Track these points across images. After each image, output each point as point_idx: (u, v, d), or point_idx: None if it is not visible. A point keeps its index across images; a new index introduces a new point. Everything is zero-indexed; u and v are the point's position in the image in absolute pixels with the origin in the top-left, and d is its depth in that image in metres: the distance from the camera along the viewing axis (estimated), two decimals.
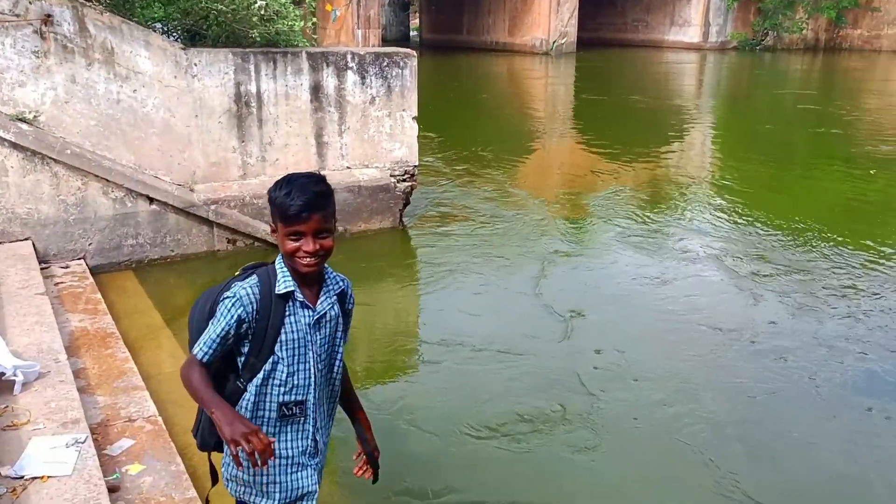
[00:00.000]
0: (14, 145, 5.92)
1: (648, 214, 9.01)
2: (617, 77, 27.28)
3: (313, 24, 7.18)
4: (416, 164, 7.98)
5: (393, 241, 7.85)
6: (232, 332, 2.22)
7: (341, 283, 2.39)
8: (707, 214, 9.11)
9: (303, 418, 2.35)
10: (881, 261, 7.38)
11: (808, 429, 4.58)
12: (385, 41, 33.14)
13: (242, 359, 2.29)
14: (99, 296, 5.71)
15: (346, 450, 3.15)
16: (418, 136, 7.96)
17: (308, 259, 2.20)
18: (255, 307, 2.22)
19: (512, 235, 8.11)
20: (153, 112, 6.53)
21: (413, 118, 7.82)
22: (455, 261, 7.30)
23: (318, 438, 2.40)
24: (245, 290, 2.22)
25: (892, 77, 27.60)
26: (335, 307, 2.36)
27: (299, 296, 2.26)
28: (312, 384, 2.33)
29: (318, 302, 2.31)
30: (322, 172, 7.18)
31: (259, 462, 2.03)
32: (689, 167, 12.20)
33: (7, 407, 3.69)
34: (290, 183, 2.20)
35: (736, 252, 7.62)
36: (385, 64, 7.57)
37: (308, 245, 2.18)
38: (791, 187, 10.88)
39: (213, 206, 6.82)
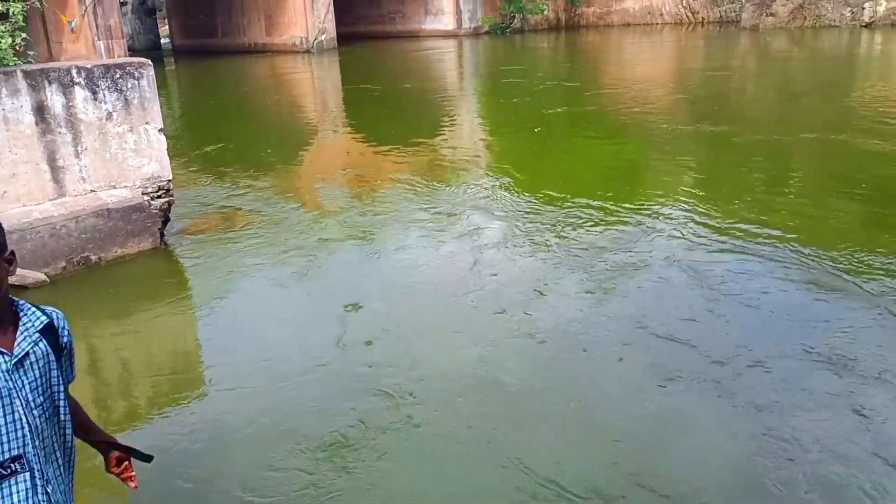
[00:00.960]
0: None
1: (425, 198, 9.25)
2: (379, 67, 27.67)
3: (23, 39, 6.51)
4: (170, 178, 7.57)
5: (156, 263, 7.39)
6: None
7: (44, 318, 2.18)
8: (483, 190, 9.52)
9: (26, 473, 2.13)
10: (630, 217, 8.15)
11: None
12: (133, 51, 31.04)
13: None
14: None
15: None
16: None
17: None
18: None
19: (295, 240, 7.94)
20: None
21: (159, 130, 7.40)
22: (226, 271, 7.04)
23: (49, 492, 2.19)
24: None
25: (623, 48, 30.57)
26: (41, 345, 2.14)
27: None
28: (29, 433, 2.11)
29: (16, 343, 2.09)
30: (63, 199, 6.61)
31: None
32: (462, 148, 12.68)
33: None
34: None
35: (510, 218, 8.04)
36: (118, 76, 7.06)
37: None
38: (550, 157, 11.70)
39: None
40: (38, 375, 2.13)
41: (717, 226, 7.65)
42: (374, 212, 8.85)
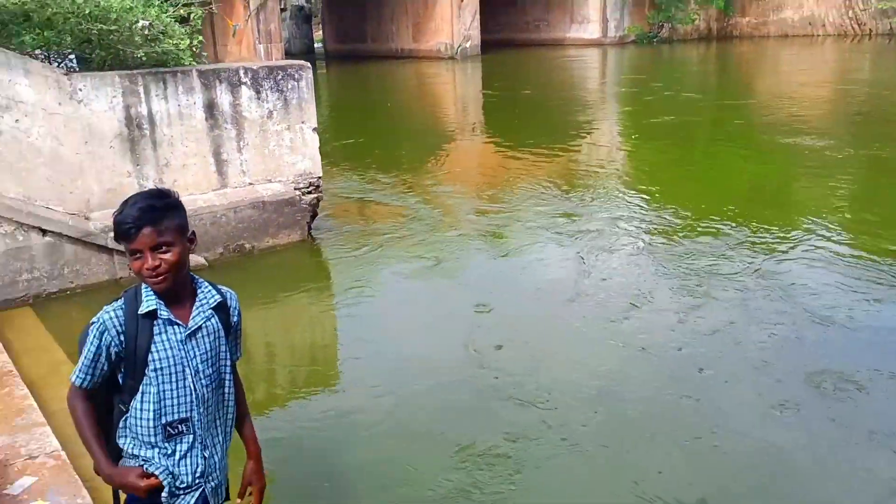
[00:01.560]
0: None
1: (562, 204, 9.26)
2: (521, 75, 27.81)
3: (200, 42, 7.08)
4: (320, 175, 7.98)
5: (302, 255, 7.83)
6: (103, 357, 2.26)
7: (219, 296, 2.40)
8: (621, 201, 9.41)
9: (190, 436, 2.36)
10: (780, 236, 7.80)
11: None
12: (289, 55, 32.84)
13: (122, 381, 2.31)
14: None
15: None
16: (322, 147, 7.98)
17: (153, 277, 2.20)
18: (119, 330, 2.24)
19: (428, 236, 8.19)
20: (39, 141, 6.34)
21: (313, 130, 7.83)
22: (365, 266, 7.35)
23: (206, 456, 2.41)
24: (108, 314, 2.25)
25: (781, 60, 29.07)
26: (213, 320, 2.36)
27: (163, 313, 2.27)
28: (195, 400, 2.34)
29: (191, 317, 2.32)
30: (224, 190, 7.10)
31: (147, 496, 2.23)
32: (600, 157, 12.56)
33: None
34: (125, 202, 2.22)
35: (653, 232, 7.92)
36: (280, 77, 7.55)
37: (147, 262, 2.18)
38: (695, 171, 11.37)
39: (111, 234, 6.62)
40: (208, 348, 2.36)
41: (860, 260, 7.14)
42: (503, 213, 8.95)
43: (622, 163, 12.21)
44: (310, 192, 7.88)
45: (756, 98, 18.92)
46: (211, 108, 7.19)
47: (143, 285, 2.28)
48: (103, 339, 2.23)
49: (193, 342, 2.32)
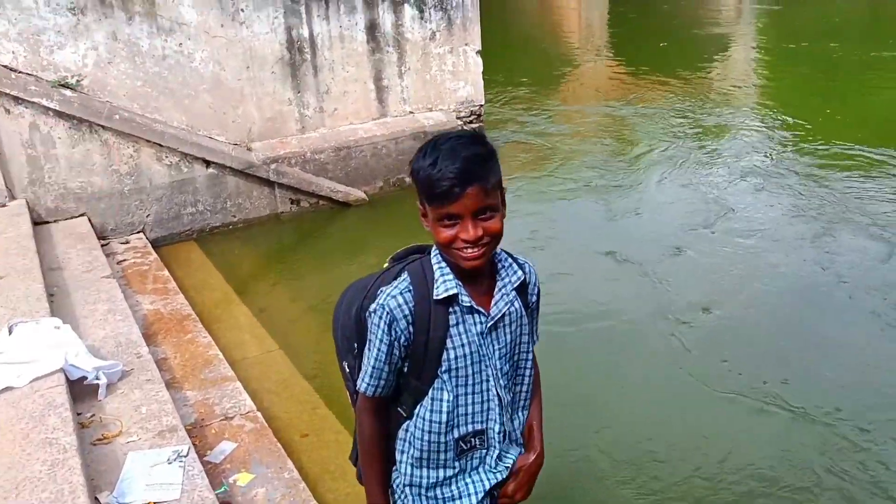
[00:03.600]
0: (59, 114, 5.44)
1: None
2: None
3: None
4: (483, 103, 7.35)
5: None
6: (396, 352, 1.74)
7: (520, 272, 1.83)
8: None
9: (484, 451, 1.85)
10: None
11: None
12: None
13: (403, 380, 1.80)
14: (166, 272, 5.29)
15: None
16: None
17: (470, 250, 1.66)
18: (410, 320, 1.72)
19: (590, 168, 7.47)
20: (202, 66, 5.98)
21: (477, 52, 7.17)
22: (536, 203, 6.73)
23: (500, 471, 1.89)
24: (395, 299, 1.72)
25: None
26: (516, 304, 1.82)
27: (465, 299, 1.74)
28: (495, 407, 1.82)
29: (493, 303, 1.77)
30: (384, 119, 6.58)
31: None
32: (734, 82, 11.30)
33: (94, 416, 3.28)
34: (435, 148, 1.65)
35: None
36: None
37: (467, 231, 1.64)
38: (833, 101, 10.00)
39: (272, 165, 6.30)
40: (508, 341, 1.83)
41: None
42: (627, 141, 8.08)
43: (761, 89, 10.89)
44: (472, 122, 7.28)
45: None
46: (372, 29, 6.63)
47: (436, 258, 1.76)
48: (393, 332, 1.72)
49: (494, 335, 1.79)
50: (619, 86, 11.52)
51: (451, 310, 1.73)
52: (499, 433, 1.84)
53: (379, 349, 1.73)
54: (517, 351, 1.86)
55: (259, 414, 3.62)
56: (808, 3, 19.03)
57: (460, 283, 1.73)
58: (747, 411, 3.83)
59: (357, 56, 6.62)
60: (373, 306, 1.74)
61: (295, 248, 6.42)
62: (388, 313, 1.71)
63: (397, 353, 1.74)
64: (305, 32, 6.32)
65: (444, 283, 1.72)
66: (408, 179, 6.77)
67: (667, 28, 17.06)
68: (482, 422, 1.82)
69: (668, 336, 4.52)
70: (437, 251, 1.77)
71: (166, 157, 5.92)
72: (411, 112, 7.03)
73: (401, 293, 1.72)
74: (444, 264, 1.74)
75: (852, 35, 14.59)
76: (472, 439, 1.83)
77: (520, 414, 1.93)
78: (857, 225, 5.90)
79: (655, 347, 4.44)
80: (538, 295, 1.92)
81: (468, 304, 1.74)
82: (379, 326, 1.72)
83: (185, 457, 2.98)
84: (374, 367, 1.74)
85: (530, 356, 1.90)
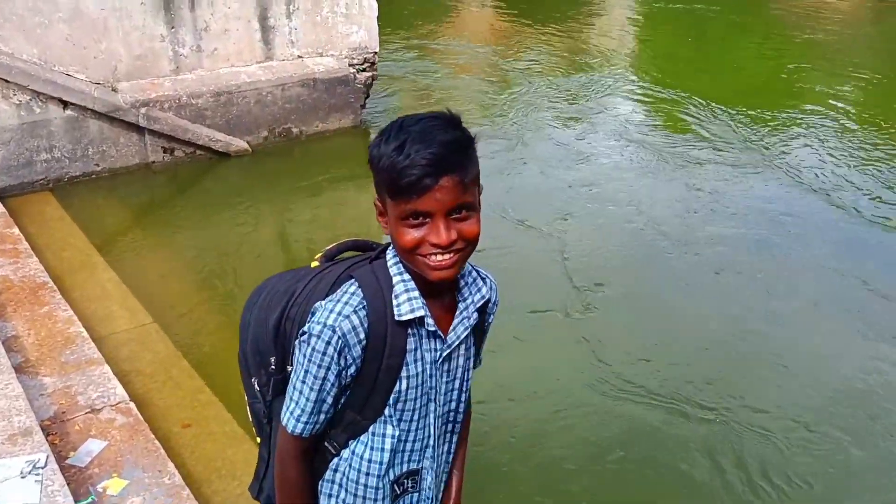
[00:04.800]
0: None
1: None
2: None
3: None
4: (377, 49, 6.88)
5: (354, 141, 6.83)
6: (338, 385, 1.41)
7: (484, 289, 1.52)
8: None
9: (416, 495, 1.56)
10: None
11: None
12: None
13: (337, 413, 1.47)
14: (16, 231, 4.62)
15: None
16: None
17: (440, 257, 1.34)
18: (364, 345, 1.38)
19: (472, 120, 7.21)
20: None
21: None
22: None
23: None
24: (349, 320, 1.36)
25: None
26: (471, 331, 1.52)
27: (430, 322, 1.42)
28: (431, 444, 1.54)
29: (451, 327, 1.46)
30: (270, 63, 6.01)
31: None
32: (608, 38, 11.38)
33: None
34: (402, 129, 1.33)
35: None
36: None
37: (438, 233, 1.32)
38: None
39: (142, 109, 5.62)
40: (457, 376, 1.54)
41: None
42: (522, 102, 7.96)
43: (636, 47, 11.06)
44: (364, 70, 6.80)
45: None
46: None
47: (394, 265, 1.43)
48: (343, 360, 1.38)
49: (446, 365, 1.49)
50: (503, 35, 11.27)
51: (409, 331, 1.41)
52: (432, 474, 1.56)
53: (324, 379, 1.38)
54: (462, 382, 1.57)
55: (132, 405, 3.16)
56: None
57: (425, 302, 1.42)
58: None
59: None
60: (314, 326, 1.37)
61: (169, 202, 5.82)
62: (339, 338, 1.36)
63: (337, 383, 1.40)
64: None
65: (410, 302, 1.39)
66: (294, 130, 6.26)
67: None
68: (418, 461, 1.53)
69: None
70: (397, 258, 1.43)
71: (14, 94, 5.13)
72: (300, 56, 6.47)
73: (354, 311, 1.37)
74: (407, 276, 1.41)
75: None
76: (406, 481, 1.54)
77: (448, 452, 1.63)
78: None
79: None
80: (494, 316, 1.62)
81: (432, 329, 1.42)
82: (325, 353, 1.36)
83: (43, 468, 2.53)
84: (313, 402, 1.40)
85: (468, 387, 1.60)
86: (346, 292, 1.40)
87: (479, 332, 1.57)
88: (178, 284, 4.69)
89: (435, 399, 1.49)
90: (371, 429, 1.46)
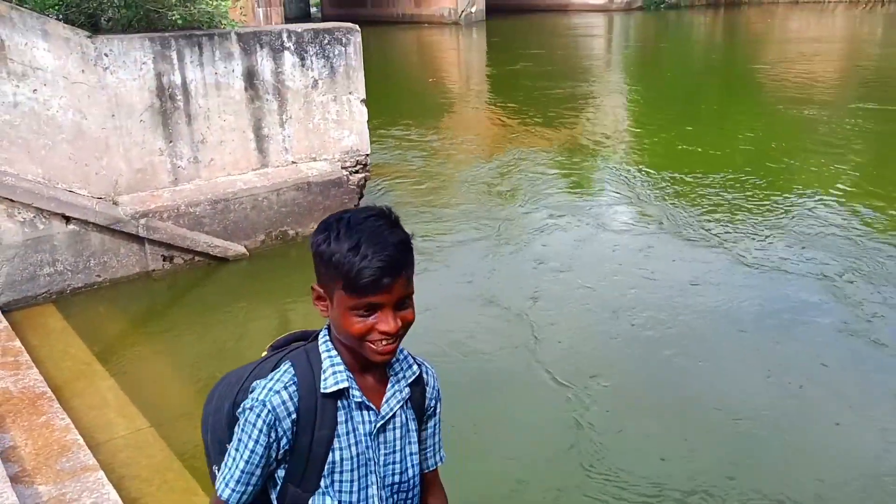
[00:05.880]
0: None
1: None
2: (527, 41, 26.78)
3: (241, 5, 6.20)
4: (369, 152, 7.16)
5: None
6: (273, 454, 1.50)
7: (415, 367, 1.65)
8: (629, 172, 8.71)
9: None
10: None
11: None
12: (287, 19, 31.50)
13: (278, 488, 1.55)
14: (18, 343, 4.71)
15: None
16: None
17: (386, 343, 1.47)
18: (294, 419, 1.48)
19: (470, 216, 7.43)
20: (60, 114, 5.47)
21: (361, 101, 6.98)
22: (427, 253, 6.56)
23: None
24: (279, 395, 1.48)
25: (787, 28, 28.23)
26: (408, 405, 1.62)
27: (356, 393, 1.53)
28: None
29: (384, 399, 1.57)
30: (265, 170, 6.26)
31: None
32: (603, 127, 11.78)
33: None
34: (351, 228, 1.45)
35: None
36: (326, 42, 6.67)
37: (388, 323, 1.45)
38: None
39: (142, 220, 5.82)
40: (398, 448, 1.60)
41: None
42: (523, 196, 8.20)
43: (629, 135, 11.46)
44: (357, 172, 7.06)
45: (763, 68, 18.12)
46: (251, 76, 6.32)
47: (326, 344, 1.55)
48: (273, 434, 1.48)
49: (383, 437, 1.58)
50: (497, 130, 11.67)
51: (339, 404, 1.52)
52: None
53: (253, 451, 1.47)
54: (404, 459, 1.62)
55: None
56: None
57: (351, 375, 1.53)
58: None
59: (234, 104, 6.28)
60: (248, 402, 1.48)
61: (168, 309, 5.93)
62: (269, 412, 1.46)
63: (273, 456, 1.49)
64: (178, 79, 5.93)
65: (334, 375, 1.51)
66: (290, 232, 6.43)
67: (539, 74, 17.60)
68: None
69: None
70: (327, 337, 1.56)
71: (18, 213, 5.34)
72: (294, 162, 6.74)
73: (285, 387, 1.49)
74: (334, 352, 1.54)
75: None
76: None
77: None
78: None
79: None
80: (437, 401, 1.71)
81: (359, 399, 1.53)
82: (255, 426, 1.46)
83: None
84: (242, 472, 1.48)
85: (417, 469, 1.65)
86: (279, 371, 1.54)
87: (420, 413, 1.65)
88: (177, 389, 4.74)
89: (375, 471, 1.56)
90: (311, 501, 1.52)
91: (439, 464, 1.74)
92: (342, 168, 6.91)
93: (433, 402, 1.69)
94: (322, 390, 1.49)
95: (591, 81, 16.76)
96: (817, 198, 7.82)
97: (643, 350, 4.95)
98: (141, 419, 4.17)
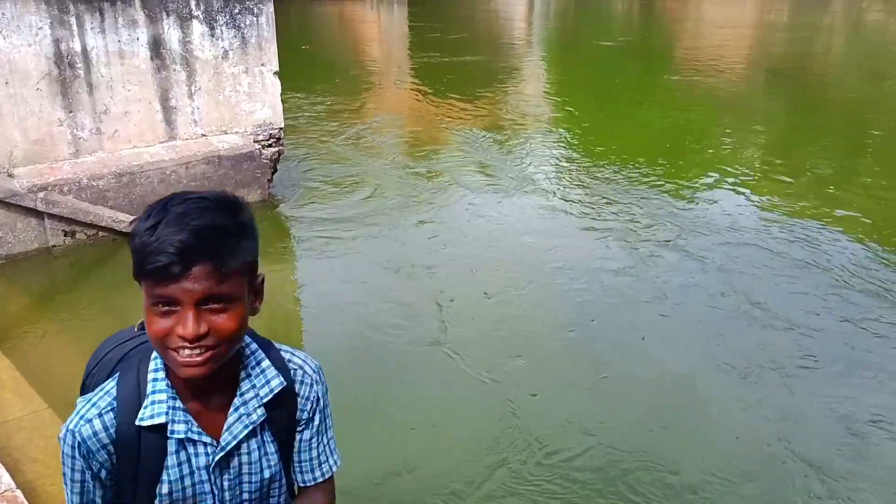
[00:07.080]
0: None
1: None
2: (454, 20, 26.70)
3: None
4: (282, 125, 7.01)
5: (263, 217, 6.85)
6: (96, 483, 1.36)
7: (278, 380, 1.40)
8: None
9: None
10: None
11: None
12: None
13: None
14: None
15: None
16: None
17: (188, 353, 1.24)
18: (111, 450, 1.33)
19: (381, 192, 7.41)
20: None
21: (274, 73, 6.82)
22: (325, 235, 6.48)
23: None
24: (91, 425, 1.31)
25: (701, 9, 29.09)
26: (260, 431, 1.41)
27: (179, 429, 1.33)
28: None
29: (225, 426, 1.36)
30: (173, 143, 6.06)
31: None
32: (525, 105, 11.93)
33: None
34: (164, 209, 1.24)
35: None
36: (237, 11, 6.48)
37: (185, 325, 1.22)
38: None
39: (40, 194, 5.56)
40: (244, 473, 1.42)
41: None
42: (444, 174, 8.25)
43: (550, 111, 11.66)
44: (270, 145, 6.91)
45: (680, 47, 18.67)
46: (157, 45, 6.08)
47: (157, 360, 1.35)
48: (89, 463, 1.32)
49: (227, 465, 1.40)
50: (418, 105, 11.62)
51: (167, 432, 1.34)
52: None
53: (80, 481, 1.34)
54: (261, 490, 1.46)
55: (18, 493, 3.05)
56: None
57: (178, 399, 1.33)
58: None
59: (140, 74, 6.04)
60: (62, 429, 1.32)
61: (70, 287, 5.70)
62: (80, 443, 1.30)
63: (98, 484, 1.36)
64: (77, 46, 5.66)
65: (153, 406, 1.31)
66: None
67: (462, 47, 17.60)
68: None
69: None
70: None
71: None
72: (204, 135, 6.54)
73: (100, 415, 1.31)
74: (161, 373, 1.34)
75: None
76: None
77: None
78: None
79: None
80: (316, 412, 1.48)
81: (182, 436, 1.33)
82: (71, 456, 1.32)
83: None
84: (70, 491, 1.36)
85: (280, 492, 1.49)
86: (102, 389, 1.36)
87: (289, 430, 1.46)
88: (78, 370, 4.51)
89: (218, 496, 1.41)
90: None
91: (325, 477, 1.52)
92: (254, 141, 6.75)
93: (309, 413, 1.47)
94: (138, 421, 1.30)
95: (509, 58, 16.86)
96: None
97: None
98: (38, 400, 4.00)
